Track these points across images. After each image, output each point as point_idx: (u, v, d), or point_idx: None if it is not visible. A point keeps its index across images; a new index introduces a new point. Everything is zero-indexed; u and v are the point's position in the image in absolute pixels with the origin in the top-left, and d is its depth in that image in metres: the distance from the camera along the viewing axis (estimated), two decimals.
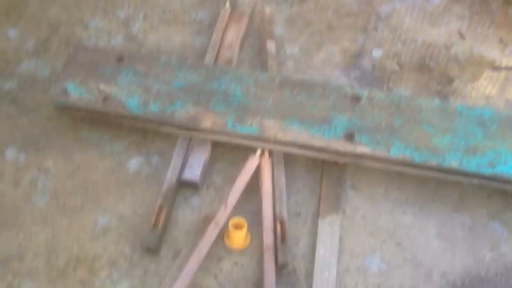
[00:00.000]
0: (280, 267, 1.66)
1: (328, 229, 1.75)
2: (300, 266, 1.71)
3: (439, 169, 1.76)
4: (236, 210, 1.76)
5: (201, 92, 1.90)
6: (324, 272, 1.66)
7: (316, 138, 1.80)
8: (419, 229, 1.80)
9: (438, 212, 1.84)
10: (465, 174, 1.76)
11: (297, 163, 1.93)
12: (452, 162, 1.75)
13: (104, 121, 1.96)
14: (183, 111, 1.86)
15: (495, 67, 2.21)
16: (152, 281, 1.67)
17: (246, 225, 1.70)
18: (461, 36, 2.29)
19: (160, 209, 1.75)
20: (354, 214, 1.83)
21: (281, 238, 1.69)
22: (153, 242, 1.70)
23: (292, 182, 1.88)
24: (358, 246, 1.77)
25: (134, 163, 1.93)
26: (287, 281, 1.67)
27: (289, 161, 1.91)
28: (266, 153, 1.86)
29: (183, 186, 1.85)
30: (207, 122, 1.84)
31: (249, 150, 1.86)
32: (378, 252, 1.75)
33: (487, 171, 1.74)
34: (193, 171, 1.83)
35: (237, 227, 1.70)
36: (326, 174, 1.87)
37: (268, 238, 1.67)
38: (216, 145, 1.92)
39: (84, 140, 1.98)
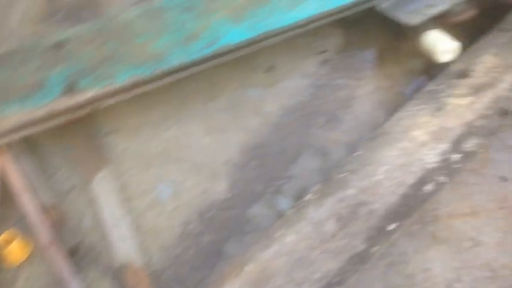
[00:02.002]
0: (73, 253, 1.47)
1: (103, 185, 1.57)
2: (94, 238, 1.53)
3: (171, 72, 1.60)
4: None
5: None
6: (117, 228, 1.51)
7: (31, 111, 1.52)
8: (188, 135, 1.69)
9: (196, 110, 1.72)
10: (195, 63, 1.63)
11: (41, 141, 1.66)
12: (178, 59, 1.60)
13: None
14: None
15: None
16: None
17: (17, 234, 1.46)
18: None
19: None
20: (124, 155, 1.66)
21: (59, 224, 1.49)
22: None
23: (49, 161, 1.64)
24: (142, 183, 1.62)
25: None
26: (88, 261, 1.50)
27: (33, 143, 1.64)
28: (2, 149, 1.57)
29: None
30: None
31: None
32: (162, 179, 1.63)
33: (211, 49, 1.61)
34: None
35: (9, 241, 1.46)
36: (75, 135, 1.65)
37: (43, 234, 1.45)
38: None
39: None
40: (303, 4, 1.62)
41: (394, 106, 1.66)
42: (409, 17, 1.62)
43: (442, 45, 1.56)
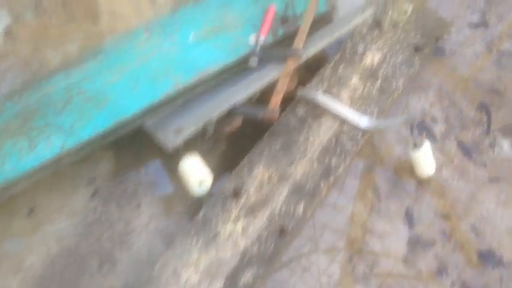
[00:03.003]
0: None
1: None
2: None
3: None
4: None
5: None
6: None
7: None
8: None
9: None
10: None
11: None
12: None
13: None
14: None
15: None
16: None
17: None
18: None
19: None
20: None
21: None
22: None
23: None
24: None
25: None
26: None
27: None
28: None
29: None
30: None
31: None
32: None
33: None
34: None
35: None
36: None
37: None
38: None
39: None
40: (42, 144, 1.41)
41: (176, 234, 1.50)
42: (166, 141, 1.48)
43: (194, 177, 1.43)
